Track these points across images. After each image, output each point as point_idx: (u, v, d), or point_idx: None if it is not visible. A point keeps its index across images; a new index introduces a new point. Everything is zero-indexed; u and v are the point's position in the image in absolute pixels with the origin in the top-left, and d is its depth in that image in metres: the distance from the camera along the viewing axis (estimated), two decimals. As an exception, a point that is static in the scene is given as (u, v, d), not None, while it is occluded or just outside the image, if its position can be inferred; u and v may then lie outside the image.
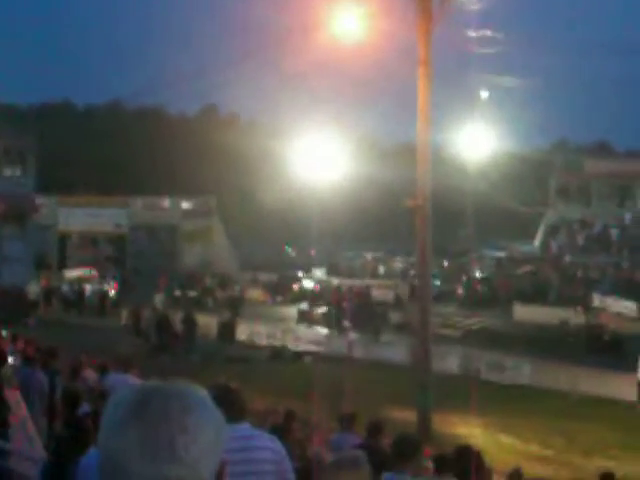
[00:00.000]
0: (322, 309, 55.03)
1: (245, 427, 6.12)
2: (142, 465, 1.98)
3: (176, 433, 1.99)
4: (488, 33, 29.58)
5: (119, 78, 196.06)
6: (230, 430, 2.27)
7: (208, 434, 2.04)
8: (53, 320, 53.49)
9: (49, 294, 62.36)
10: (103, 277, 68.10)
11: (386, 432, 12.93)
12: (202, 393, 2.13)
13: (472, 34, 28.91)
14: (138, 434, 1.99)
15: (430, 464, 12.56)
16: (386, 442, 11.83)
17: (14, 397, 11.62)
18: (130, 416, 2.03)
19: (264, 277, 75.37)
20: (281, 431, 7.02)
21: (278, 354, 43.36)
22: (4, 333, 24.77)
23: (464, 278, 70.34)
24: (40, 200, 66.67)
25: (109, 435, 2.04)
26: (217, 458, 2.07)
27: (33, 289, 61.32)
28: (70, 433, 9.85)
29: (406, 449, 7.92)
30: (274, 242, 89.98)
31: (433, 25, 26.15)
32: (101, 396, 13.64)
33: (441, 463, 12.33)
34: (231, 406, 5.66)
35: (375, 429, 13.39)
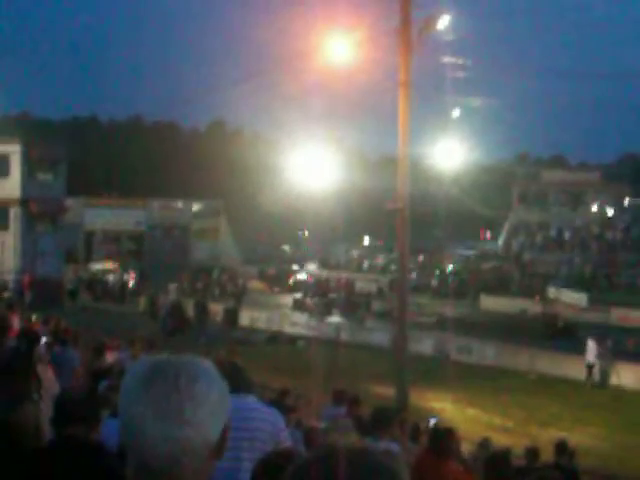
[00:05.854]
0: (314, 298, 55.03)
1: (248, 400, 5.86)
2: (155, 427, 1.98)
3: (185, 399, 2.00)
4: (461, 59, 29.54)
5: (140, 96, 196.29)
6: (233, 401, 2.25)
7: (213, 400, 2.04)
8: (81, 306, 53.42)
9: (78, 284, 62.41)
10: (124, 269, 68.23)
11: (366, 404, 12.94)
12: (207, 364, 2.12)
13: (447, 60, 28.85)
14: (152, 400, 2.00)
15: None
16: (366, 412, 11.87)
17: (47, 373, 11.56)
18: (144, 385, 2.03)
19: (264, 270, 75.47)
20: (275, 405, 6.92)
21: (275, 337, 43.30)
22: (34, 317, 24.50)
23: (437, 272, 70.45)
24: (69, 202, 66.74)
25: (127, 402, 2.05)
26: (221, 421, 2.07)
27: (69, 279, 61.60)
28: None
29: (381, 419, 7.92)
30: (273, 240, 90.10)
31: (412, 52, 26.18)
32: (120, 373, 13.60)
33: (416, 433, 12.37)
34: (233, 380, 5.44)
35: (354, 402, 13.50)
